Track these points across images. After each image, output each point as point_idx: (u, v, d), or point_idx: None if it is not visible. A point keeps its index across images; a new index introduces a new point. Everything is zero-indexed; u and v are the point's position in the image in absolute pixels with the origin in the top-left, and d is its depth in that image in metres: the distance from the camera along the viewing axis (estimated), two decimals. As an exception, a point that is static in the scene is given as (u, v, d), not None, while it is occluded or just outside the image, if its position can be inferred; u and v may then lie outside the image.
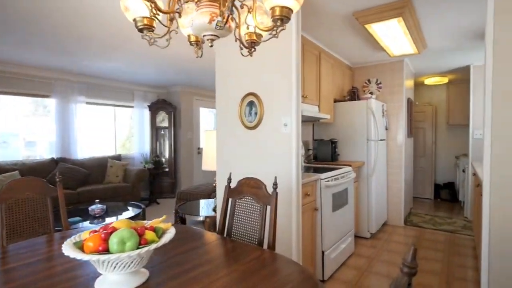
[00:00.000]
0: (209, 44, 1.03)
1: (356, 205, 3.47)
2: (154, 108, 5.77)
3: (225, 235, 1.51)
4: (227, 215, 1.54)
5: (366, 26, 2.55)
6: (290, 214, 2.04)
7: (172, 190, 5.83)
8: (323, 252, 2.45)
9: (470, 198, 4.27)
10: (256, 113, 2.21)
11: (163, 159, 5.92)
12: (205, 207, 2.93)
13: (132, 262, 0.91)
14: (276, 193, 1.37)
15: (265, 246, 1.35)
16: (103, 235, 0.92)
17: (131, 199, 4.55)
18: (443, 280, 2.51)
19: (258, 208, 1.43)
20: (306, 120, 3.33)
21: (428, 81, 5.27)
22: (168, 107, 5.79)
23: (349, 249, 2.97)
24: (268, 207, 1.38)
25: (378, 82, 4.16)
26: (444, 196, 5.58)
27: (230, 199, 1.54)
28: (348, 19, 2.62)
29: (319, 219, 2.46)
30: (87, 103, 4.93)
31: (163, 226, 1.05)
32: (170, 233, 1.01)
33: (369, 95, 3.93)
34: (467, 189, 4.35)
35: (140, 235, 0.95)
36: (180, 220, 2.67)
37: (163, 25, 1.02)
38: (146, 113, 5.78)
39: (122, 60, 3.96)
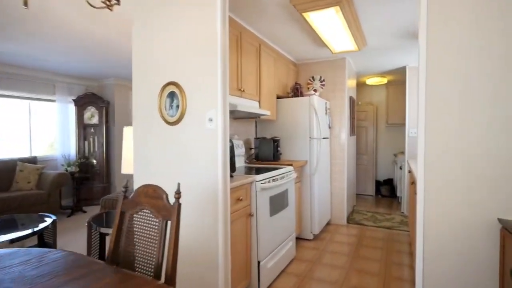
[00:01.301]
0: None
1: (298, 206, 3.32)
2: (81, 103, 5.05)
3: (115, 262, 1.16)
4: (121, 234, 1.19)
5: (304, 14, 2.37)
6: (216, 224, 1.75)
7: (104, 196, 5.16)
8: (258, 263, 2.21)
9: (407, 194, 4.44)
10: (177, 106, 1.87)
11: (94, 161, 5.22)
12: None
13: None
14: (179, 204, 1.06)
15: (163, 277, 1.04)
16: None
17: (46, 209, 3.85)
18: (381, 281, 2.45)
19: (157, 224, 1.11)
20: (247, 117, 3.08)
21: (370, 81, 5.42)
22: (98, 102, 5.11)
23: (289, 254, 2.78)
24: (170, 223, 1.07)
25: (322, 80, 4.09)
26: (384, 192, 5.81)
27: (125, 213, 1.20)
28: (286, 7, 2.42)
29: (255, 226, 2.22)
30: (-10, 94, 4.08)
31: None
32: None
33: (313, 92, 3.84)
34: (403, 186, 4.53)
35: None
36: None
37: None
38: (71, 108, 5.03)
39: (36, 44, 3.29)
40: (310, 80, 4.16)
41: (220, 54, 1.73)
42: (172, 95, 1.89)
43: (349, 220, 4.15)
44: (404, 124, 5.65)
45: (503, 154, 1.33)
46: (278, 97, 3.61)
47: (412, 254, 2.97)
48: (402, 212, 4.57)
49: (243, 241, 2.12)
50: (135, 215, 1.18)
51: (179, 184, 1.10)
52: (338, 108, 4.03)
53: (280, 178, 2.56)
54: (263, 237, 2.27)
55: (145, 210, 1.15)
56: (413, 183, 2.51)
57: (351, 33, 2.87)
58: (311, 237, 3.40)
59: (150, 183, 1.96)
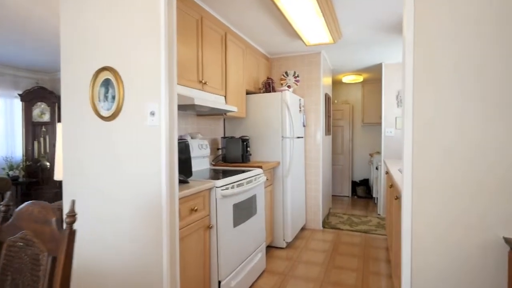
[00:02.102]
0: None
1: (270, 212, 3.04)
2: (30, 98, 4.47)
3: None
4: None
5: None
6: (160, 243, 1.41)
7: (57, 202, 4.61)
8: (219, 283, 1.89)
9: (383, 196, 4.30)
10: (113, 97, 1.51)
11: (47, 163, 4.65)
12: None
13: None
14: (71, 232, 0.73)
15: None
16: None
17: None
18: (358, 295, 2.21)
19: (40, 261, 0.76)
20: (212, 113, 2.75)
21: (346, 79, 5.26)
22: (50, 97, 4.56)
23: (259, 267, 2.49)
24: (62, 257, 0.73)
25: (296, 75, 3.84)
26: (360, 193, 5.68)
27: (2, 243, 0.84)
28: (252, -13, 2.12)
29: (215, 240, 1.89)
30: None
31: None
32: None
33: (286, 88, 3.57)
34: (380, 186, 4.38)
35: None
36: None
37: None
38: (17, 104, 4.45)
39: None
40: (283, 75, 3.90)
41: (165, 33, 1.40)
42: (107, 83, 1.53)
43: (325, 224, 3.93)
44: (379, 123, 5.56)
45: (507, 157, 1.10)
46: (248, 93, 3.31)
47: (389, 262, 2.77)
48: (379, 214, 4.42)
49: (200, 259, 1.79)
50: (11, 247, 0.82)
51: (73, 202, 0.76)
52: (313, 106, 3.79)
53: (247, 183, 2.26)
54: (226, 252, 1.95)
55: (27, 238, 0.80)
56: (391, 186, 2.30)
57: (325, 22, 2.62)
58: (284, 245, 3.12)
59: (83, 192, 1.59)
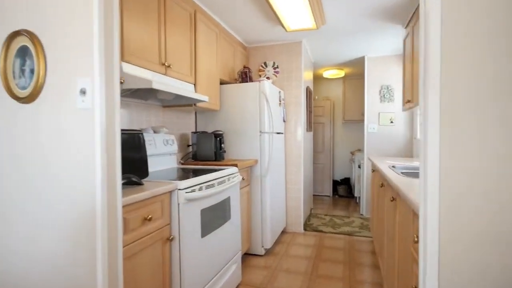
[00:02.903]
0: None
1: (247, 216, 2.72)
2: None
3: None
4: None
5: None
6: (94, 264, 1.05)
7: None
8: (182, 307, 1.55)
9: (366, 195, 4.12)
10: (32, 72, 1.13)
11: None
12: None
13: None
14: None
15: None
16: None
17: None
18: (346, 310, 1.95)
19: None
20: (179, 104, 2.39)
21: (327, 73, 5.05)
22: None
23: (233, 280, 2.16)
24: None
25: (275, 66, 3.55)
26: (341, 193, 5.50)
27: None
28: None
29: (177, 254, 1.55)
30: None
31: None
32: None
33: (265, 79, 3.27)
34: (362, 185, 4.20)
35: None
36: None
37: None
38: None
39: None
40: (262, 66, 3.59)
41: (100, -17, 1.03)
42: (23, 53, 1.14)
43: (307, 226, 3.67)
44: (360, 121, 5.41)
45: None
46: (223, 83, 2.97)
47: (377, 268, 2.54)
48: (361, 214, 4.23)
49: (157, 279, 1.44)
50: None
51: None
52: (293, 99, 3.52)
53: (219, 184, 1.92)
54: (191, 267, 1.61)
55: None
56: (382, 185, 2.06)
57: (310, 6, 2.34)
58: (263, 252, 2.82)
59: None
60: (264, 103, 2.77)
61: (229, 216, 2.10)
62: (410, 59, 2.62)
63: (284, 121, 3.44)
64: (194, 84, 2.36)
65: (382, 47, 3.74)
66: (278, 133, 3.20)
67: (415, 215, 1.13)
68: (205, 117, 2.97)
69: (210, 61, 2.61)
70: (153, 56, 1.85)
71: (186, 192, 1.57)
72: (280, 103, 3.25)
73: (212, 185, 1.85)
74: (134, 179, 1.46)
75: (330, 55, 4.10)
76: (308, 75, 3.97)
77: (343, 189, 5.49)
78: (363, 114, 5.39)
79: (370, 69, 4.07)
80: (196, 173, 1.97)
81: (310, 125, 4.18)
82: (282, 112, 3.35)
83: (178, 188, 1.54)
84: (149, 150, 2.05)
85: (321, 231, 3.52)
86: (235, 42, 3.22)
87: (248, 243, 2.75)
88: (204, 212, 1.75)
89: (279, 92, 3.23)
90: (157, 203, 1.43)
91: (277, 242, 3.16)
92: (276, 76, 3.55)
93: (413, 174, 1.91)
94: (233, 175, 2.19)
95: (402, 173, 1.88)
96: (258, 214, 2.81)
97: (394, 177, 1.61)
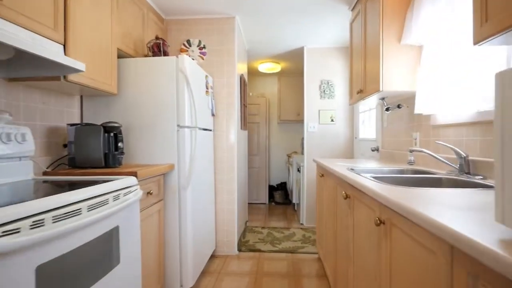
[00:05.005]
0: None
1: (157, 246, 1.89)
2: None
3: None
4: None
5: None
6: None
7: None
8: None
9: (307, 202, 3.67)
10: None
11: None
12: None
13: None
14: None
15: None
16: None
17: None
18: None
19: None
20: (39, 77, 1.46)
21: (262, 67, 4.53)
22: None
23: None
24: None
25: (202, 46, 2.81)
26: (278, 199, 5.03)
27: None
28: None
29: None
30: None
31: None
32: None
33: (186, 55, 2.50)
34: (302, 191, 3.74)
35: None
36: None
37: None
38: None
39: None
40: (184, 45, 2.81)
41: None
42: None
43: (242, 245, 3.00)
44: (297, 121, 5.05)
45: None
46: (123, 56, 2.10)
47: (331, 299, 2.01)
48: (301, 224, 3.77)
49: None
50: None
51: None
52: (225, 89, 2.82)
53: (89, 209, 1.08)
54: None
55: None
56: (347, 196, 1.50)
57: None
58: (182, 293, 2.02)
59: None
60: (184, 87, 2.00)
61: (117, 259, 1.27)
62: (362, 44, 2.20)
63: (213, 115, 2.72)
64: (64, 45, 1.46)
65: (322, 37, 3.36)
66: (205, 129, 2.46)
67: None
68: (97, 104, 2.05)
69: (101, 21, 1.73)
70: None
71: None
72: (207, 91, 2.52)
73: (77, 213, 1.01)
74: None
75: (266, 43, 3.55)
76: (242, 65, 3.34)
77: (280, 195, 5.02)
78: (299, 114, 5.06)
79: (309, 61, 3.66)
80: (61, 189, 1.10)
81: (245, 122, 3.55)
82: (211, 103, 2.62)
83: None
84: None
85: (259, 250, 2.88)
86: (145, 5, 2.38)
87: (160, 283, 1.92)
88: (49, 268, 0.90)
89: (206, 76, 2.50)
90: None
91: (204, 274, 2.39)
92: (202, 59, 2.81)
93: (389, 179, 1.43)
94: (127, 190, 1.36)
95: (374, 178, 1.36)
96: (175, 241, 2.01)
97: (379, 188, 1.05)
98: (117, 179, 1.38)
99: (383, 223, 0.99)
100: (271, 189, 5.18)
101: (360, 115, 3.47)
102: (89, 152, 1.70)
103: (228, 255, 2.78)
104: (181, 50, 2.80)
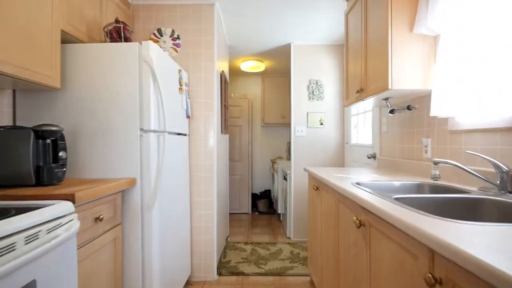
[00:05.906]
0: None
1: (114, 285, 1.46)
2: None
3: None
4: None
5: None
6: None
7: None
8: None
9: (295, 214, 3.33)
10: None
11: None
12: None
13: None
14: None
15: None
16: None
17: None
18: None
19: None
20: None
21: (245, 66, 4.17)
22: None
23: None
24: None
25: (175, 36, 2.41)
26: (262, 208, 4.66)
27: None
28: None
29: None
30: None
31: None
32: None
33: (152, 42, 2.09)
34: (289, 202, 3.40)
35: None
36: None
37: None
38: None
39: None
40: (155, 34, 2.40)
41: None
42: None
43: (222, 267, 2.60)
44: (281, 125, 4.73)
45: None
46: (71, 41, 1.66)
47: None
48: (289, 237, 3.43)
49: None
50: None
51: None
52: (202, 87, 2.43)
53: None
54: None
55: None
56: (361, 224, 1.16)
57: None
58: None
59: None
60: (149, 81, 1.59)
61: (33, 331, 0.84)
62: (362, 36, 1.89)
63: (188, 116, 2.32)
64: (-32, 15, 1.02)
65: (311, 33, 3.05)
66: (178, 134, 2.06)
67: None
68: (34, 102, 1.59)
69: (32, -14, 1.30)
70: None
71: None
72: (181, 89, 2.12)
73: None
74: None
75: (249, 38, 3.20)
76: (223, 64, 2.96)
77: (264, 204, 4.66)
78: (284, 117, 4.73)
79: (296, 59, 3.35)
80: None
81: (226, 125, 3.16)
82: (185, 102, 2.23)
83: None
84: None
85: (242, 273, 2.50)
86: (105, -17, 1.95)
87: (117, 333, 1.49)
88: None
89: (180, 71, 2.10)
90: None
91: (175, 308, 1.97)
92: (176, 51, 2.40)
93: (415, 201, 1.10)
94: (55, 223, 0.94)
95: (397, 199, 1.03)
96: (136, 275, 1.58)
97: (417, 221, 0.71)
98: (43, 205, 0.96)
99: (435, 279, 0.64)
100: (255, 197, 4.81)
101: (352, 118, 3.18)
102: (14, 165, 1.26)
103: (206, 281, 2.37)
104: (151, 40, 2.38)
